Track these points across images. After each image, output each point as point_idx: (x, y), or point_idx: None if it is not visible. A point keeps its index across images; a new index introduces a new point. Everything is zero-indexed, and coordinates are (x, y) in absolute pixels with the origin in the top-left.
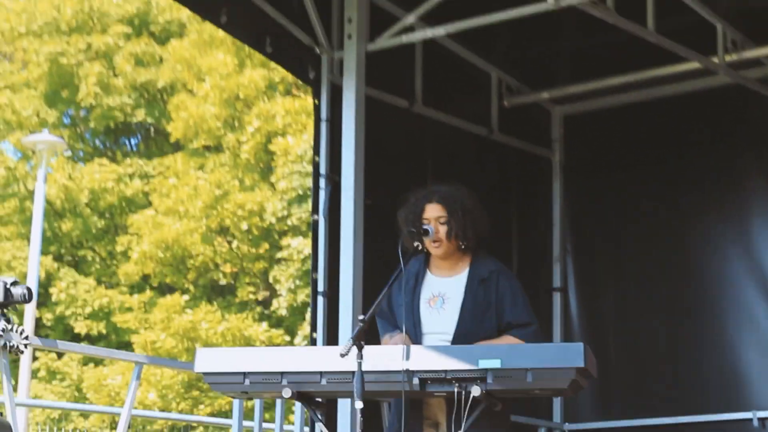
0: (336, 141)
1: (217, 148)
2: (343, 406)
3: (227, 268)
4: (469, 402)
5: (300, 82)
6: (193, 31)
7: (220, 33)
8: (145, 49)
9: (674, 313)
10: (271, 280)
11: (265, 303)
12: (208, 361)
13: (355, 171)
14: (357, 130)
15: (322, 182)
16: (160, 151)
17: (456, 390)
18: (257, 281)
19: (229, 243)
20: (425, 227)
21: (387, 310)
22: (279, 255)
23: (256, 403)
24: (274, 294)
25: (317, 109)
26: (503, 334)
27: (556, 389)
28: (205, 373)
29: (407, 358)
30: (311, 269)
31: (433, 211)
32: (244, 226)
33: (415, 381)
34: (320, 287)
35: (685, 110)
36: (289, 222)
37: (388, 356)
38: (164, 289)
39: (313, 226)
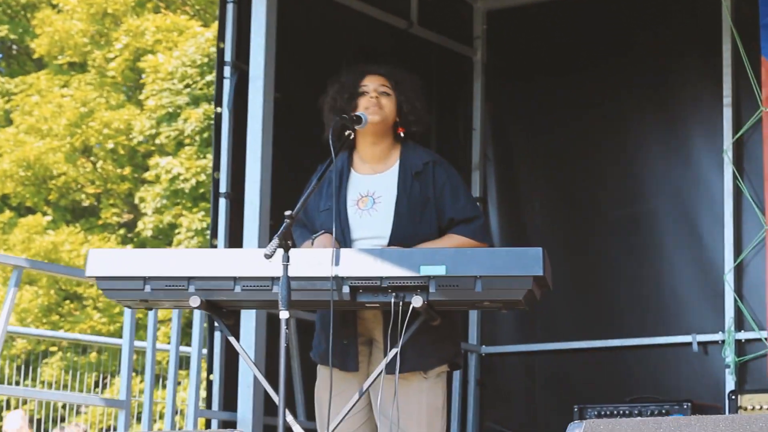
0: (243, 26)
1: (83, 66)
2: (247, 319)
3: (91, 189)
4: (408, 315)
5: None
6: None
7: None
8: None
9: (606, 226)
10: (136, 201)
11: (129, 225)
12: (102, 264)
13: (266, 58)
14: (268, 12)
15: (227, 71)
16: (23, 69)
17: (393, 300)
18: (121, 203)
19: (94, 163)
20: (358, 114)
21: (303, 217)
22: (146, 175)
23: (150, 317)
24: (138, 216)
25: None
26: (446, 232)
27: (508, 300)
28: (98, 278)
29: (336, 262)
30: (212, 168)
31: (374, 81)
32: (110, 145)
33: (345, 289)
34: (222, 188)
35: (624, 8)
36: (157, 141)
37: (313, 261)
38: (24, 210)
39: (216, 121)
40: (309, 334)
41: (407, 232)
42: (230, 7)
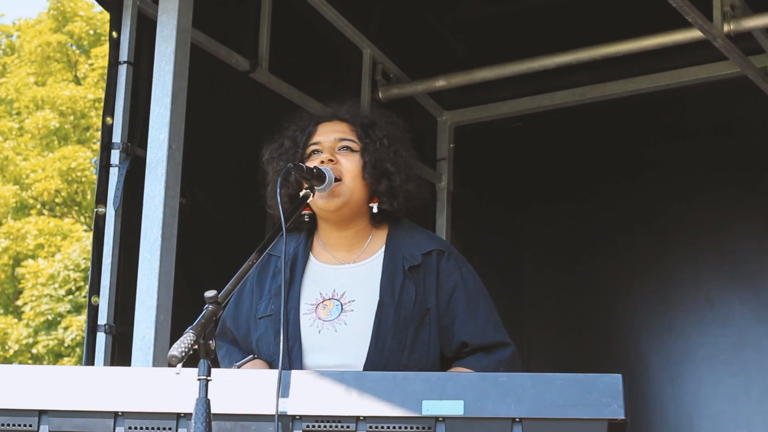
0: (141, 95)
1: None
2: None
3: None
4: None
5: (62, 204)
6: None
7: None
8: None
9: None
10: None
11: None
12: None
13: (170, 137)
14: (176, 78)
15: (116, 157)
16: None
17: None
18: None
19: None
20: (320, 168)
21: (230, 326)
22: None
23: None
24: None
25: (115, 44)
26: (454, 363)
27: None
28: None
29: (284, 392)
30: (89, 290)
31: (330, 132)
32: None
33: None
34: (102, 318)
35: (640, 117)
36: (34, 350)
37: (246, 388)
38: None
39: (96, 225)
40: None
41: (392, 360)
42: (123, 69)
